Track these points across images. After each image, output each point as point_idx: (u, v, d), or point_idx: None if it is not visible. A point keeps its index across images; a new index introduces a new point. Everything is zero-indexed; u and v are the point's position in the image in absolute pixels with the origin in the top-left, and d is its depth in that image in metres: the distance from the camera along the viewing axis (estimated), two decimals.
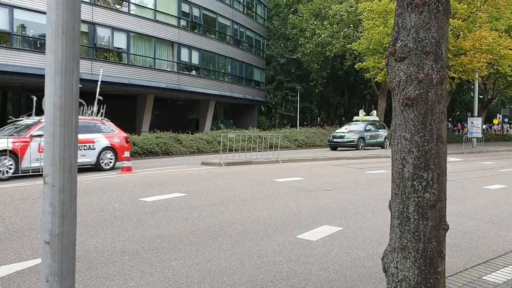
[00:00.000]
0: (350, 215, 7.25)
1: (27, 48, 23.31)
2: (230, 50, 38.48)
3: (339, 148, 22.62)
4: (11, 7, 22.18)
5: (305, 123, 48.86)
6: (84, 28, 25.15)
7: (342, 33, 34.02)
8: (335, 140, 24.30)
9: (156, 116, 33.74)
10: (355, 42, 30.92)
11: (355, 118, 28.62)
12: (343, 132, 25.14)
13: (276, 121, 48.19)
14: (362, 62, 30.83)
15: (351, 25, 33.61)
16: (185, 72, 33.55)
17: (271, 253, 5.10)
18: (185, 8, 32.92)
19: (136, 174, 12.79)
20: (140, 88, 29.26)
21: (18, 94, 35.22)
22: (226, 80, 38.47)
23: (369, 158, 19.23)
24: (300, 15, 40.28)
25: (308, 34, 37.45)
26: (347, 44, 32.79)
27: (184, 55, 33.18)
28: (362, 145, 24.97)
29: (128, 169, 13.02)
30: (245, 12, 41.44)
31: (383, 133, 26.82)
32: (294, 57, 42.34)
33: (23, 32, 23.62)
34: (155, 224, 6.45)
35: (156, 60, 30.73)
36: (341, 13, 33.77)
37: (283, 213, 7.32)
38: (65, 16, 1.31)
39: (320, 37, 35.48)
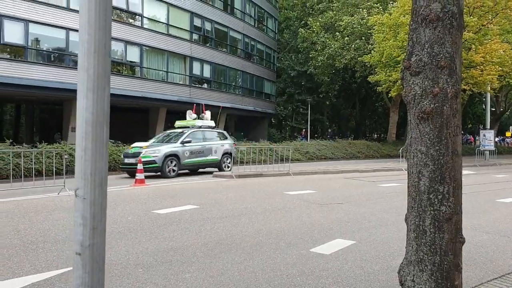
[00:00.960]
0: (363, 229, 7.22)
1: (41, 62, 23.70)
2: (241, 63, 38.79)
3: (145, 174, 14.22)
4: (26, 21, 22.62)
5: (315, 135, 48.80)
6: None
7: (353, 45, 34.12)
8: (126, 161, 15.59)
9: (169, 129, 33.94)
10: (366, 54, 30.99)
11: (177, 123, 18.96)
12: (140, 148, 16.02)
13: (286, 133, 48.16)
14: (373, 75, 30.85)
15: (363, 37, 33.70)
16: (197, 85, 33.83)
17: (285, 267, 5.09)
18: (197, 22, 33.31)
19: (149, 186, 12.86)
20: (153, 101, 29.55)
21: (31, 107, 35.71)
22: (237, 92, 38.71)
23: (381, 171, 19.14)
24: (310, 28, 40.48)
25: (319, 47, 37.61)
26: (358, 57, 32.85)
27: (196, 69, 33.49)
28: (174, 168, 15.86)
29: (141, 181, 13.10)
30: (256, 26, 41.81)
31: (220, 146, 17.93)
32: (305, 69, 42.50)
33: (38, 46, 24.04)
34: (169, 236, 6.48)
35: (169, 73, 31.05)
36: (353, 25, 33.90)
37: (295, 226, 7.31)
38: (97, 35, 1.36)
39: (330, 49, 35.61)
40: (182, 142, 16.43)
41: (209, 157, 17.39)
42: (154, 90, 29.35)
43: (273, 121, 50.95)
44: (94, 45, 1.37)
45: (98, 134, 1.40)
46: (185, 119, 19.25)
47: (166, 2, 30.32)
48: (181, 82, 32.21)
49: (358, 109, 51.99)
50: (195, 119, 18.92)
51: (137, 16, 29.02)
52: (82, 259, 1.36)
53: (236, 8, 38.52)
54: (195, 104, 21.20)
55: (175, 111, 36.06)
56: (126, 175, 16.24)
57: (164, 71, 30.71)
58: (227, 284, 4.48)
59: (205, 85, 34.95)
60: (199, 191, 11.81)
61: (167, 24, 30.73)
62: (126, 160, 15.66)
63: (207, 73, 34.68)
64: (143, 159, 14.48)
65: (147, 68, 29.58)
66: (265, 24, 44.58)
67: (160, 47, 29.99)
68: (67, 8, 24.35)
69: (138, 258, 5.35)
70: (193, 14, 32.64)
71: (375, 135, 58.91)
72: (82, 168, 1.42)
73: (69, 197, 10.44)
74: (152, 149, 15.83)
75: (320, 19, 39.58)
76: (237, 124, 45.84)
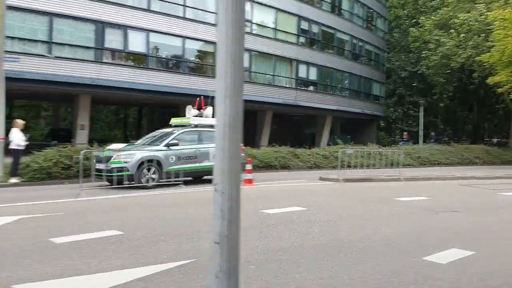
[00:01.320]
0: (483, 239, 6.74)
1: (160, 68, 25.54)
2: (348, 64, 38.21)
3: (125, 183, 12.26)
4: (148, 31, 24.54)
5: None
6: (210, 48, 26.91)
7: (471, 43, 31.78)
8: (98, 166, 12.76)
9: (274, 131, 34.62)
10: (485, 53, 28.70)
11: (172, 120, 15.78)
12: (114, 151, 13.37)
13: (396, 137, 46.34)
14: (493, 75, 28.50)
15: (483, 34, 31.25)
16: (303, 88, 34.02)
17: (396, 273, 4.94)
18: (304, 25, 33.52)
19: (257, 186, 13.22)
20: (260, 104, 30.33)
21: (151, 110, 38.61)
22: (344, 95, 38.19)
23: (502, 179, 17.63)
24: (422, 27, 38.53)
25: (432, 46, 35.65)
26: (476, 56, 30.52)
27: (302, 71, 33.72)
28: (153, 176, 12.88)
29: (250, 181, 13.50)
30: (364, 26, 40.89)
31: None
32: (417, 69, 40.56)
33: (157, 54, 25.96)
34: (277, 236, 6.62)
35: (275, 77, 31.65)
36: (470, 22, 31.62)
37: (407, 233, 7.05)
38: (233, 48, 1.49)
39: (445, 47, 33.56)
40: (168, 145, 13.43)
41: (204, 163, 13.93)
42: (261, 93, 30.10)
43: (382, 124, 49.36)
44: (231, 56, 1.50)
45: (234, 135, 1.53)
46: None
47: (274, 8, 30.97)
48: (287, 85, 32.65)
49: (475, 112, 48.37)
50: (197, 115, 15.39)
51: (246, 22, 30.00)
52: (220, 248, 1.51)
53: (343, 9, 38.05)
54: (199, 97, 16.08)
55: (281, 113, 36.75)
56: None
57: (271, 74, 31.35)
58: (337, 287, 4.48)
59: (311, 88, 35.01)
60: (306, 193, 11.88)
61: (275, 29, 31.34)
62: (98, 166, 12.78)
63: (313, 75, 34.73)
64: (112, 165, 12.45)
65: (256, 72, 30.43)
66: (374, 24, 43.42)
67: (268, 51, 30.70)
68: (184, 18, 25.98)
69: (249, 255, 5.54)
70: (300, 17, 32.90)
71: (495, 140, 54.28)
72: (221, 165, 1.56)
73: (190, 193, 11.12)
74: (125, 153, 13.02)
75: (433, 17, 37.50)
76: (344, 127, 45.22)
